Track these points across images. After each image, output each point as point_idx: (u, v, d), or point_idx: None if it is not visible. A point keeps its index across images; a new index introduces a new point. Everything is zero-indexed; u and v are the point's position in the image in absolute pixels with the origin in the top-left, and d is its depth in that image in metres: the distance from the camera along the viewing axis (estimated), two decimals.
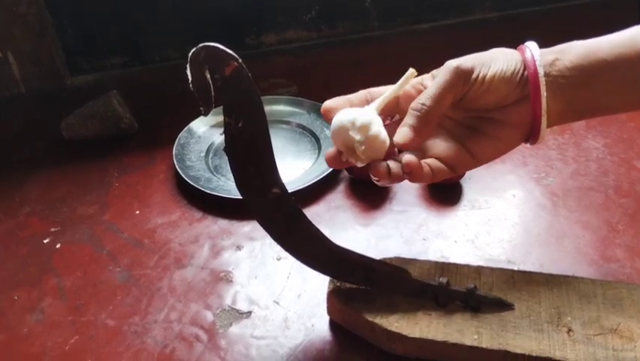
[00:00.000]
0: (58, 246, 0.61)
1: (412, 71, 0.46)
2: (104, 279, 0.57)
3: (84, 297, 0.55)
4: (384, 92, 0.47)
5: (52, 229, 0.64)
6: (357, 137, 0.43)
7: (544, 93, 0.45)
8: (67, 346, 0.51)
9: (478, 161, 0.48)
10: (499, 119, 0.47)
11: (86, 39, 0.92)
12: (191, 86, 0.41)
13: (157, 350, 0.49)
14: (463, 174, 0.65)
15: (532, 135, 0.47)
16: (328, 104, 0.47)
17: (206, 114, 0.42)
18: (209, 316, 0.52)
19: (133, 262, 0.59)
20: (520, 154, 0.69)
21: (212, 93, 0.40)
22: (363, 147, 0.43)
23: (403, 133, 0.44)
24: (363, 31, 1.00)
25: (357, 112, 0.44)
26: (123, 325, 0.52)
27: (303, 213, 0.46)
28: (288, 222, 0.46)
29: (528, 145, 0.48)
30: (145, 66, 0.95)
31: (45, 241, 0.62)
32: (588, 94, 0.46)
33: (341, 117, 0.44)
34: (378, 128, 0.43)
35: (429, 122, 0.44)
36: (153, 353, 0.49)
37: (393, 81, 0.54)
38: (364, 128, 0.43)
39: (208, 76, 0.40)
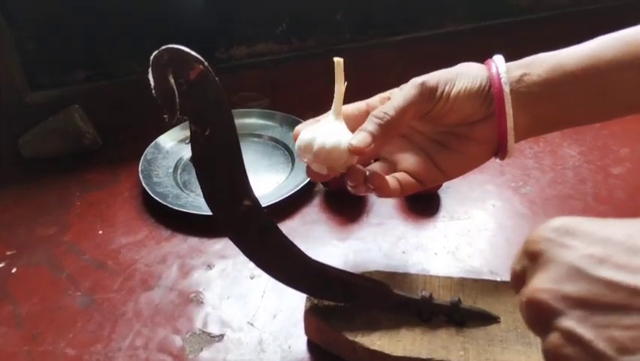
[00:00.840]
0: (13, 270, 0.57)
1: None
2: (64, 304, 0.53)
3: (41, 325, 0.51)
4: (349, 108, 0.48)
5: (8, 252, 0.59)
6: (305, 159, 0.45)
7: (509, 111, 0.45)
8: None
9: (447, 176, 0.48)
10: (466, 135, 0.46)
11: (46, 53, 0.88)
12: (153, 91, 0.38)
13: None
14: (441, 185, 0.63)
15: (500, 151, 0.47)
16: (297, 128, 0.48)
17: (170, 122, 0.39)
18: (178, 341, 0.49)
19: (95, 285, 0.55)
20: (497, 163, 0.68)
21: (177, 99, 0.38)
22: (314, 164, 0.45)
23: (361, 137, 0.43)
24: (335, 44, 0.99)
25: (309, 131, 0.45)
26: (84, 354, 0.48)
27: (276, 226, 0.43)
28: (261, 236, 0.43)
29: (498, 160, 0.47)
30: (109, 80, 0.92)
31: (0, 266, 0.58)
32: (557, 108, 0.45)
33: (297, 141, 0.45)
34: (322, 140, 0.43)
35: (388, 132, 0.44)
36: None
37: (365, 94, 0.53)
38: (309, 147, 0.44)
39: (172, 81, 0.37)
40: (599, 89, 0.44)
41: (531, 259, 0.28)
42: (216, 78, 0.37)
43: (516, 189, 0.64)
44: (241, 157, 0.41)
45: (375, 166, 0.49)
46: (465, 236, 0.58)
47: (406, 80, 0.54)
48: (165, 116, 0.39)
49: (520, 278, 0.29)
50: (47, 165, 0.71)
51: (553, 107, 0.45)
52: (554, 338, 0.26)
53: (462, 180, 0.65)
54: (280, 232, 0.43)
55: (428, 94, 0.44)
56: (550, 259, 0.27)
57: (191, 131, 0.39)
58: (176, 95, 0.38)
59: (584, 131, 0.72)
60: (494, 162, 0.68)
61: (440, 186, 0.63)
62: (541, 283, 0.26)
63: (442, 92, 0.44)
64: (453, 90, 0.44)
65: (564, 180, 0.65)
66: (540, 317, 0.27)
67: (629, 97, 0.45)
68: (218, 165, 0.40)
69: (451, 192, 0.64)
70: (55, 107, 0.75)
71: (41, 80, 0.90)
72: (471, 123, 0.46)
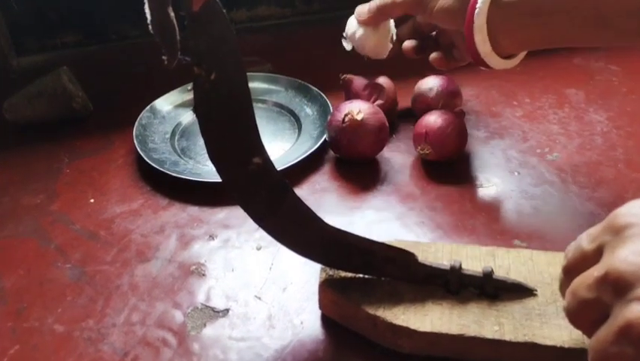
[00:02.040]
0: None
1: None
2: (52, 277, 0.48)
3: (27, 299, 0.46)
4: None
5: None
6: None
7: (478, 37, 0.48)
8: (6, 358, 0.42)
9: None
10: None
11: (34, 15, 0.82)
12: (150, 27, 0.33)
13: (116, 359, 0.41)
14: (460, 152, 0.58)
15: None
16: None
17: (170, 65, 0.34)
18: (178, 316, 0.44)
19: (86, 256, 0.50)
20: (519, 129, 0.63)
21: (178, 36, 0.33)
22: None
23: (359, 11, 0.59)
24: (342, 9, 0.93)
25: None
26: (74, 330, 0.43)
27: (290, 187, 0.38)
28: (273, 198, 0.38)
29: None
30: (101, 45, 0.86)
31: None
32: (546, 32, 0.47)
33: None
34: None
35: (380, 13, 0.57)
36: None
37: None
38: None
39: (172, 13, 0.32)
40: (598, 14, 0.43)
41: (615, 233, 0.27)
42: (224, 10, 0.32)
43: (542, 156, 0.59)
44: (251, 107, 0.36)
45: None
46: (489, 205, 0.53)
47: None
48: (164, 57, 0.34)
49: (587, 259, 0.28)
50: (34, 131, 0.66)
51: (541, 31, 0.47)
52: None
53: (482, 145, 0.61)
54: (294, 193, 0.39)
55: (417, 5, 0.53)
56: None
57: (194, 76, 0.34)
58: (177, 31, 0.33)
59: (610, 96, 0.68)
60: (516, 128, 0.64)
61: (461, 151, 0.58)
62: (629, 255, 0.25)
63: (426, 6, 0.52)
64: (435, 6, 0.51)
65: (593, 147, 0.60)
66: (620, 288, 0.25)
67: (631, 25, 0.43)
68: (226, 116, 0.36)
69: (470, 159, 0.59)
70: (43, 72, 0.69)
71: (28, 44, 0.84)
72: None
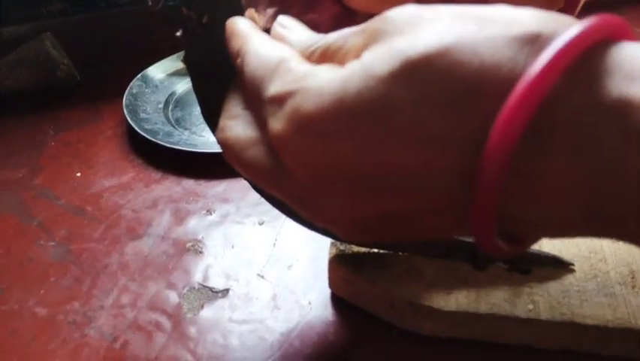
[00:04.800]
0: None
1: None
2: (34, 256, 0.44)
3: (7, 280, 0.42)
4: None
5: None
6: None
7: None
8: None
9: None
10: None
11: None
12: None
13: (103, 345, 0.37)
14: None
15: None
16: None
17: (154, 7, 0.29)
18: (173, 297, 0.40)
19: (72, 234, 0.46)
20: None
21: None
22: None
23: None
24: None
25: None
26: (58, 313, 0.39)
27: None
28: None
29: None
30: (88, 13, 0.81)
31: None
32: None
33: None
34: None
35: None
36: (98, 349, 0.37)
37: None
38: None
39: None
40: None
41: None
42: None
43: None
44: None
45: None
46: None
47: None
48: None
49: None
50: (15, 101, 0.61)
51: None
52: None
53: None
54: None
55: None
56: None
57: (182, 18, 0.29)
58: None
59: None
60: None
61: None
62: None
63: None
64: None
65: None
66: None
67: None
68: (220, 66, 0.31)
69: None
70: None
71: (11, 13, 0.78)
72: None
